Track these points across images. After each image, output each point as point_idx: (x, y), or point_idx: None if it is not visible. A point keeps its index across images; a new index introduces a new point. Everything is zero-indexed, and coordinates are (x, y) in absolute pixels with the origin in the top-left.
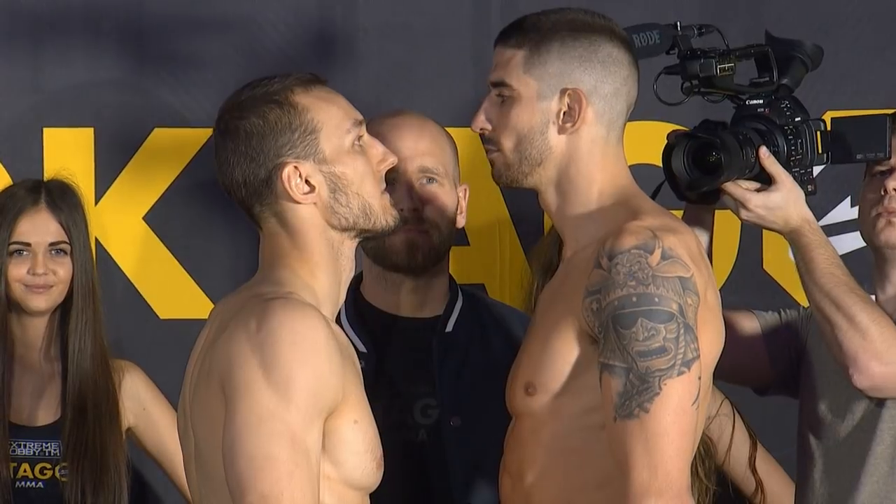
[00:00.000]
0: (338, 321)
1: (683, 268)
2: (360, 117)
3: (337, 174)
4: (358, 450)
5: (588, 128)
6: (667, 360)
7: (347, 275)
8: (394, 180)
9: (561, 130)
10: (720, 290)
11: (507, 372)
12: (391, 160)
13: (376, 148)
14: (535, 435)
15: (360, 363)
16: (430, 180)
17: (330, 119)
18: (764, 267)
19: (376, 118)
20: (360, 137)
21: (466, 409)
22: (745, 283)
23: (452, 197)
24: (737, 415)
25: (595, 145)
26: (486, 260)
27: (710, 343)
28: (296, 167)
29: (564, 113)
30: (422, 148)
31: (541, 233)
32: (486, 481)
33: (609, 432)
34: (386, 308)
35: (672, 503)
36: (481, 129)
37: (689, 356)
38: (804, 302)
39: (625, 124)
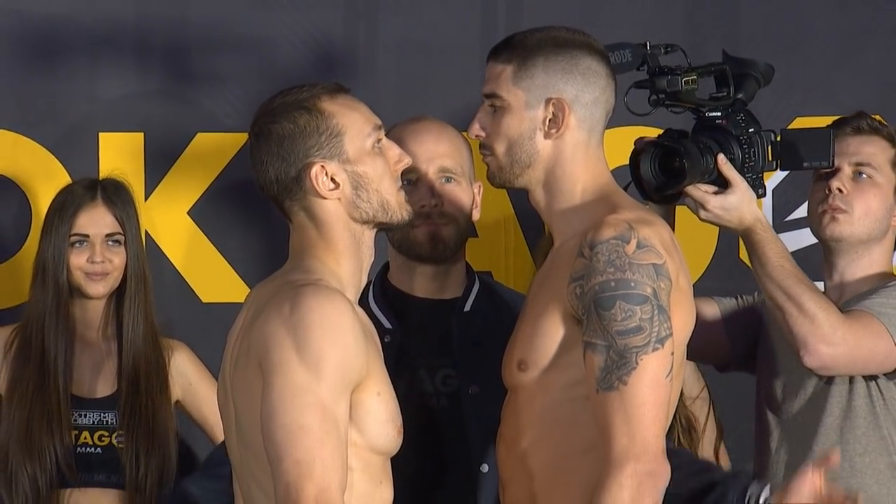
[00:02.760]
0: (365, 302)
1: (657, 255)
2: (380, 122)
3: (359, 173)
4: (381, 419)
5: (571, 133)
6: (643, 338)
7: (367, 262)
8: (416, 180)
9: (547, 136)
10: (701, 278)
11: None
12: (406, 161)
13: (393, 150)
14: (527, 406)
15: (386, 338)
16: (449, 179)
17: (353, 124)
18: (740, 256)
19: (399, 124)
20: (379, 140)
21: (483, 379)
22: (723, 271)
23: (469, 193)
24: (711, 403)
25: (578, 148)
26: (494, 250)
27: (683, 322)
28: (322, 166)
29: (550, 120)
30: (441, 150)
31: (542, 227)
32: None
33: (593, 403)
34: (409, 291)
35: (649, 465)
36: (476, 136)
37: (663, 334)
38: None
39: (604, 129)
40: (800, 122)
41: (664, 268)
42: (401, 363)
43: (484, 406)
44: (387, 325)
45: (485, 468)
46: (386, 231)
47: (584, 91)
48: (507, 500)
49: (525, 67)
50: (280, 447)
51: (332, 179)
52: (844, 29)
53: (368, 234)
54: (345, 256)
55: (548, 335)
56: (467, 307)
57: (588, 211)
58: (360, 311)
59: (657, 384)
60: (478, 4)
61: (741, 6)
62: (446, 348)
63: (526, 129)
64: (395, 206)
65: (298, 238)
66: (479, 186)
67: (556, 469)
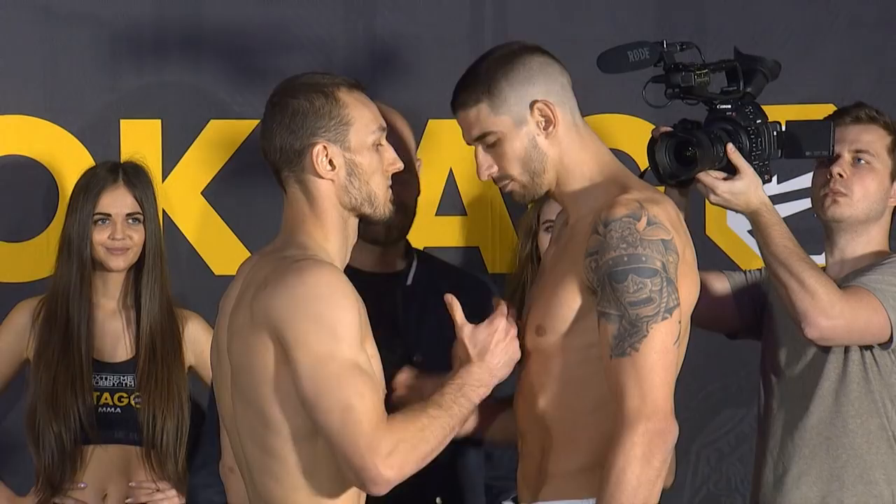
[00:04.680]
0: None
1: (665, 232)
2: (385, 125)
3: (356, 162)
4: (375, 378)
5: (562, 123)
6: (653, 308)
7: (351, 241)
8: None
9: (547, 136)
10: None
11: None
12: (399, 166)
13: (390, 153)
14: (544, 367)
15: None
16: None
17: (361, 118)
18: (706, 233)
19: None
20: (380, 140)
21: (427, 347)
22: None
23: (415, 178)
24: None
25: (572, 134)
26: (481, 227)
27: (688, 292)
28: (325, 147)
29: (544, 121)
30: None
31: (525, 205)
32: None
33: (606, 368)
34: (358, 266)
35: (659, 424)
36: (489, 176)
37: (671, 304)
38: (740, 261)
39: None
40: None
41: (672, 243)
42: None
43: (429, 372)
44: None
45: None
46: (368, 223)
47: (550, 84)
48: (523, 450)
49: (495, 96)
50: (327, 415)
51: (331, 162)
52: (802, 25)
53: (353, 220)
54: (332, 233)
55: (565, 304)
56: (409, 280)
57: (599, 191)
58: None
59: (666, 350)
60: (466, 3)
61: (706, 6)
62: (393, 319)
63: (528, 142)
64: (381, 200)
65: (291, 210)
66: (420, 163)
67: (568, 424)
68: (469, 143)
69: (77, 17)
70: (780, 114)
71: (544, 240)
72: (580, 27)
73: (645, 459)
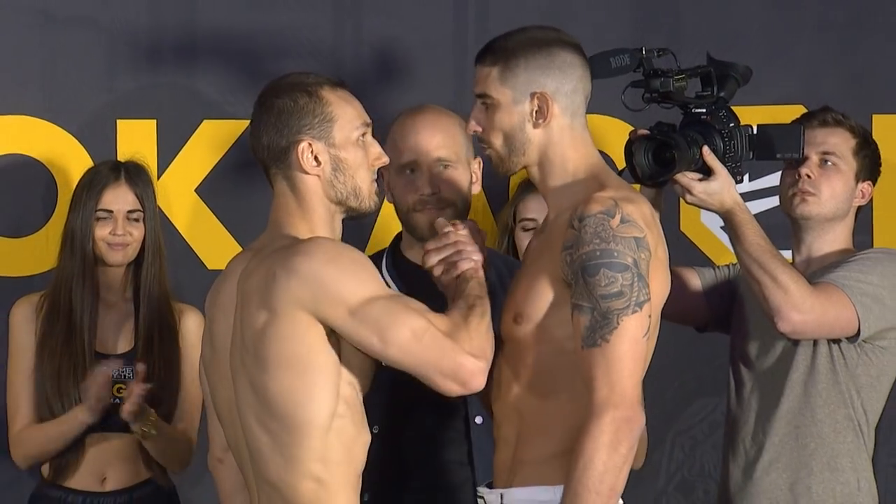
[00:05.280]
0: (379, 268)
1: (638, 230)
2: (369, 120)
3: (341, 158)
4: (362, 355)
5: (556, 120)
6: (623, 302)
7: (338, 235)
8: (416, 170)
9: (535, 126)
10: None
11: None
12: (384, 160)
13: (375, 148)
14: (520, 356)
15: None
16: (446, 167)
17: (345, 115)
18: (681, 229)
19: (402, 115)
20: (364, 135)
21: None
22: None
23: (466, 175)
24: None
25: (564, 133)
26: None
27: (660, 288)
28: (310, 144)
29: (536, 112)
30: (435, 142)
31: (504, 202)
32: None
33: (578, 358)
34: (416, 260)
35: (626, 412)
36: (473, 132)
37: (642, 298)
38: (713, 257)
39: (585, 112)
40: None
41: (644, 240)
42: None
43: None
44: (395, 289)
45: (478, 420)
46: (354, 218)
47: (563, 83)
48: (498, 437)
49: (508, 68)
50: (404, 347)
51: (316, 158)
52: (772, 29)
53: (338, 216)
54: (319, 227)
55: (542, 294)
56: None
57: (579, 187)
58: None
59: (635, 342)
60: (450, 6)
61: (681, 8)
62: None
63: (517, 121)
64: (366, 194)
65: (279, 206)
66: (480, 162)
67: (541, 413)
68: (474, 95)
69: (75, 21)
70: (751, 114)
71: (520, 236)
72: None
73: (612, 446)
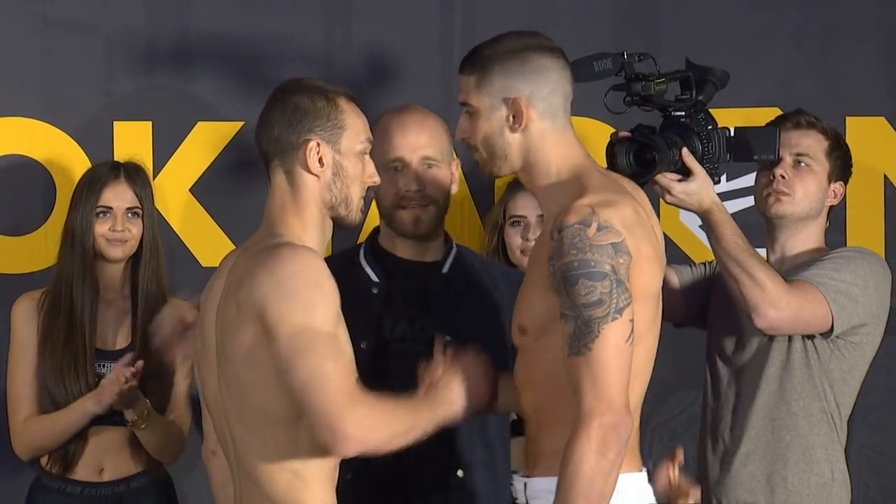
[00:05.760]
0: (357, 259)
1: (616, 235)
2: (371, 138)
3: (343, 165)
4: (349, 357)
5: (535, 124)
6: (603, 310)
7: (327, 237)
8: (402, 168)
9: (512, 130)
10: None
11: (490, 305)
12: (376, 180)
13: (371, 166)
14: (530, 363)
15: (374, 290)
16: (430, 166)
17: (354, 126)
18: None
19: (387, 114)
20: (365, 151)
21: (455, 331)
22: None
23: (448, 174)
24: None
25: (545, 135)
26: (451, 222)
27: (650, 281)
28: (318, 144)
29: (512, 117)
30: (422, 141)
31: (491, 204)
32: None
33: (565, 367)
34: (399, 254)
35: (613, 419)
36: (461, 139)
37: (622, 304)
38: (692, 255)
39: (568, 112)
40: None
41: (623, 244)
42: (385, 312)
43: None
44: (375, 279)
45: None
46: (338, 226)
47: (538, 86)
48: (527, 431)
49: (485, 76)
50: (303, 381)
51: (321, 159)
52: (749, 35)
53: (328, 219)
54: (310, 225)
55: (538, 305)
56: (445, 269)
57: (562, 191)
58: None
59: (618, 348)
60: (436, 12)
61: (661, 14)
62: (425, 302)
63: (496, 128)
64: (355, 206)
65: (274, 200)
66: (457, 164)
67: (552, 412)
68: (459, 103)
69: (74, 26)
70: (728, 116)
71: (510, 233)
72: (544, 31)
73: (600, 452)
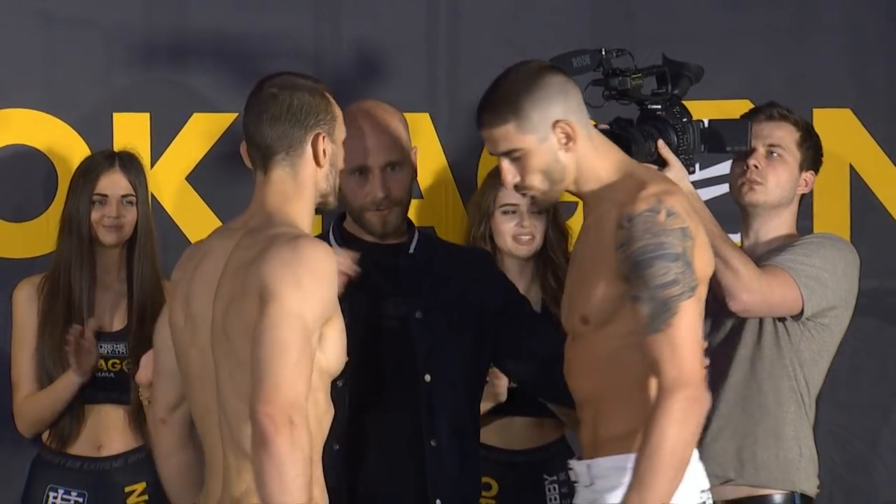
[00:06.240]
0: (328, 243)
1: (682, 220)
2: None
3: (337, 156)
4: (340, 346)
5: (580, 137)
6: (679, 289)
7: (312, 219)
8: (366, 173)
9: (567, 150)
10: None
11: (455, 281)
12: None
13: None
14: (589, 352)
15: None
16: (394, 168)
17: (339, 117)
18: None
19: (346, 115)
20: (344, 139)
21: (425, 306)
22: None
23: (410, 171)
24: None
25: (587, 144)
26: (436, 209)
27: (706, 266)
28: (325, 137)
29: (565, 138)
30: (384, 144)
31: (473, 190)
32: (440, 357)
33: (643, 346)
34: (362, 237)
35: (695, 392)
36: (514, 184)
37: (693, 284)
38: None
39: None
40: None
41: (688, 230)
42: (359, 292)
43: (426, 328)
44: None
45: (427, 378)
46: (319, 211)
47: (567, 102)
48: (582, 418)
49: (520, 117)
50: (266, 352)
51: (324, 151)
52: (721, 30)
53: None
54: (304, 212)
55: (603, 294)
56: (411, 250)
57: (618, 188)
58: None
59: (693, 325)
60: (422, 9)
61: (637, 11)
62: (395, 282)
63: (551, 157)
64: (336, 194)
65: (275, 190)
66: (415, 151)
67: (614, 399)
68: (493, 155)
69: (74, 22)
70: (702, 108)
71: (502, 221)
72: (525, 32)
73: (683, 422)
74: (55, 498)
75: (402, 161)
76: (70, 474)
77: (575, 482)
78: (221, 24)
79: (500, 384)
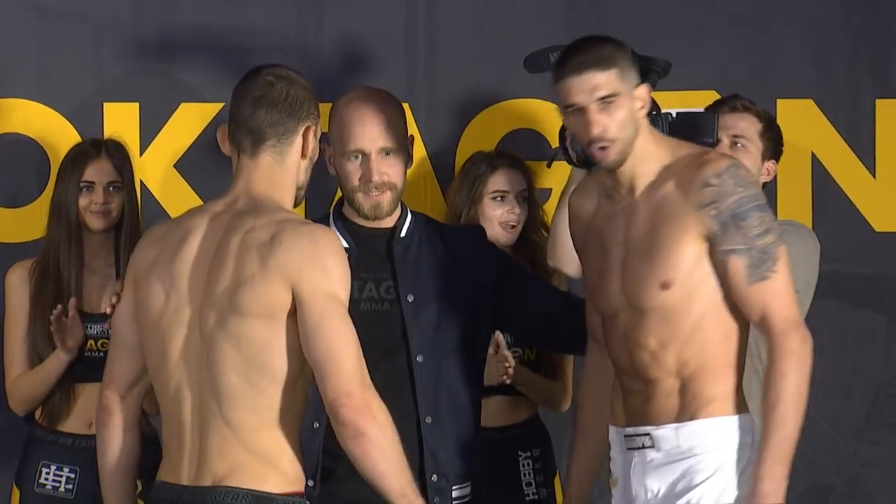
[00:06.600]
0: (328, 227)
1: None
2: None
3: (316, 151)
4: None
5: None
6: (773, 237)
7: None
8: (362, 157)
9: (641, 114)
10: None
11: (446, 262)
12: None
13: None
14: (673, 318)
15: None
16: (388, 153)
17: (319, 119)
18: None
19: (343, 102)
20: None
21: (417, 290)
22: None
23: (405, 157)
24: None
25: (646, 122)
26: (415, 198)
27: None
28: (313, 131)
29: (641, 102)
30: (380, 132)
31: (451, 178)
32: (433, 339)
33: (745, 296)
34: (357, 222)
35: (804, 332)
36: (599, 133)
37: (780, 231)
38: None
39: None
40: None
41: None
42: (355, 275)
43: (418, 310)
44: (345, 245)
45: (420, 358)
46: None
47: (636, 74)
48: (658, 393)
49: (622, 68)
50: (326, 343)
51: (310, 145)
52: (688, 23)
53: None
54: (288, 199)
55: (687, 256)
56: (402, 233)
57: (675, 166)
58: None
59: (789, 271)
60: (402, 3)
61: (608, 7)
62: (388, 265)
63: (631, 112)
64: (304, 193)
65: (261, 175)
66: (412, 138)
67: (703, 359)
68: (583, 104)
69: (66, 15)
70: (669, 99)
71: (491, 206)
72: (499, 25)
73: (802, 362)
74: (48, 474)
75: (397, 148)
76: (62, 451)
77: (646, 447)
78: (208, 17)
79: (505, 364)
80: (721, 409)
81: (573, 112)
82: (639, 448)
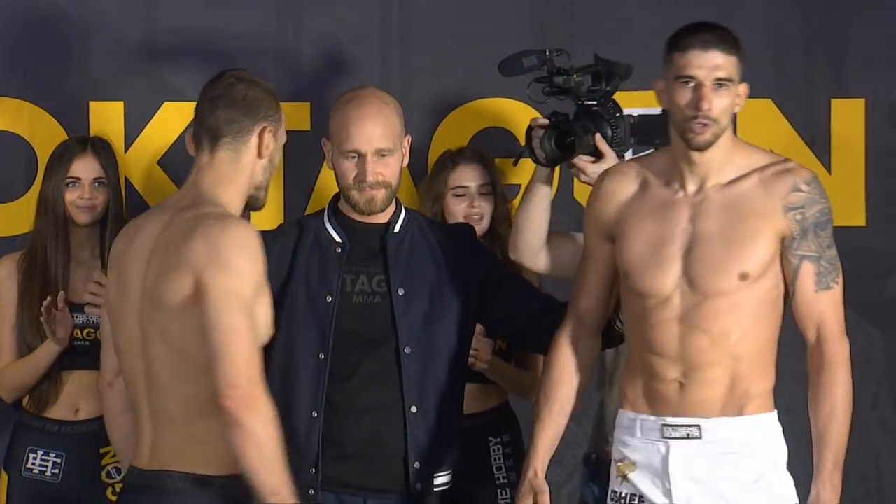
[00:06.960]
0: (322, 222)
1: None
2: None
3: (274, 155)
4: (268, 319)
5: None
6: (835, 251)
7: (242, 206)
8: (358, 157)
9: (736, 108)
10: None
11: (437, 259)
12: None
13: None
14: (738, 307)
15: (338, 249)
16: (384, 155)
17: (283, 123)
18: (574, 196)
19: (343, 103)
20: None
21: (407, 284)
22: (560, 209)
23: (400, 157)
24: None
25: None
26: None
27: None
28: (270, 132)
29: (739, 99)
30: (377, 133)
31: (424, 175)
32: (421, 333)
33: (807, 302)
34: (352, 217)
35: (846, 339)
36: (708, 110)
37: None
38: None
39: None
40: (619, 97)
41: None
42: (348, 269)
43: (408, 304)
44: (338, 240)
45: (407, 350)
46: (248, 206)
47: None
48: (701, 381)
49: (740, 60)
50: (218, 335)
51: (267, 145)
52: (650, 26)
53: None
54: (236, 197)
55: (766, 251)
56: (396, 229)
57: (747, 153)
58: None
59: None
60: (378, 5)
61: (574, 9)
62: (380, 260)
63: (734, 102)
64: (265, 195)
65: (213, 171)
66: (409, 139)
67: (758, 352)
68: (702, 79)
69: (54, 16)
70: (631, 98)
71: (454, 202)
72: (469, 26)
73: (849, 373)
74: (35, 459)
75: (392, 148)
76: (49, 437)
77: (692, 437)
78: (190, 20)
79: (480, 359)
80: (766, 406)
81: (683, 84)
82: (683, 438)
